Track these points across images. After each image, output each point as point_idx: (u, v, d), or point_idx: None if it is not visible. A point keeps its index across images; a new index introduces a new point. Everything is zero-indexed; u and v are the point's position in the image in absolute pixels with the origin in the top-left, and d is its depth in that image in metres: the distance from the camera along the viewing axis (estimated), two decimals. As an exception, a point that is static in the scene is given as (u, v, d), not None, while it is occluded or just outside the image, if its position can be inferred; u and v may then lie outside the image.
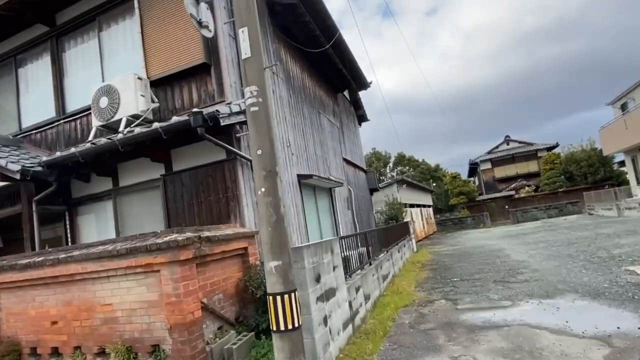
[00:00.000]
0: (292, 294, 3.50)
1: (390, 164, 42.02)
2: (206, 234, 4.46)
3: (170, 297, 3.98)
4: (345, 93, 14.34)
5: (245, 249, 5.30)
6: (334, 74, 11.36)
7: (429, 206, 32.81)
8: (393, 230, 12.40)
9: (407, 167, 40.50)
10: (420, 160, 41.84)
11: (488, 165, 40.66)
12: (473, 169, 43.29)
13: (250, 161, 5.81)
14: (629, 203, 21.11)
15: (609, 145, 24.36)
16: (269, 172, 3.60)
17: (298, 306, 3.52)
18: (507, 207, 34.33)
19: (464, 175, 40.88)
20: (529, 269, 8.58)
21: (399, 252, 11.67)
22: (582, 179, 30.67)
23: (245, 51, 3.68)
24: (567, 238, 13.15)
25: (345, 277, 5.62)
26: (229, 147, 5.48)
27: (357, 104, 15.50)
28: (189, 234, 4.17)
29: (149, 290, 4.19)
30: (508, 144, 41.21)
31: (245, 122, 5.64)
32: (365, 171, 15.64)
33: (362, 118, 16.40)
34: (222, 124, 4.91)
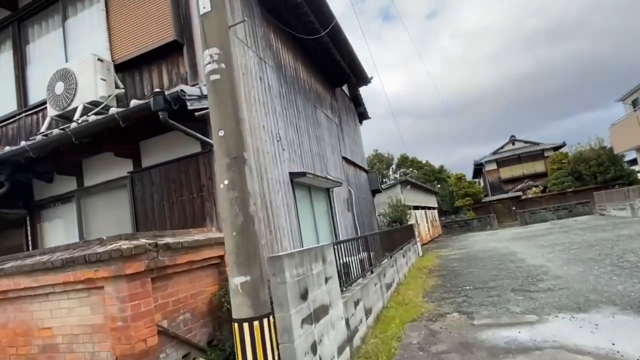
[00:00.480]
0: (266, 320, 2.64)
1: (393, 166, 41.09)
2: (166, 240, 3.62)
3: (115, 320, 3.14)
4: (345, 88, 13.52)
5: (222, 257, 4.44)
6: (331, 65, 10.54)
7: (434, 208, 31.85)
8: (397, 234, 11.51)
9: (410, 169, 39.57)
10: (424, 161, 40.91)
11: (493, 166, 39.66)
12: (478, 170, 42.29)
13: (229, 154, 5.00)
14: (645, 202, 20.08)
15: (620, 142, 23.38)
16: (234, 160, 2.74)
17: (274, 335, 2.66)
18: (514, 208, 33.31)
19: (469, 177, 39.88)
20: (549, 275, 7.66)
21: (403, 257, 10.78)
22: (592, 178, 29.62)
23: (204, 4, 2.85)
24: (585, 240, 12.20)
25: (342, 289, 4.76)
26: (202, 137, 4.65)
27: (357, 101, 14.67)
28: (141, 241, 3.33)
29: (93, 312, 3.35)
30: (514, 144, 40.21)
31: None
32: (366, 171, 14.78)
33: (363, 116, 15.56)
34: (189, 107, 4.08)
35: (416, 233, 16.57)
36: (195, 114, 4.47)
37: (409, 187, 19.10)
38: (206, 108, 4.44)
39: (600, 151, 29.50)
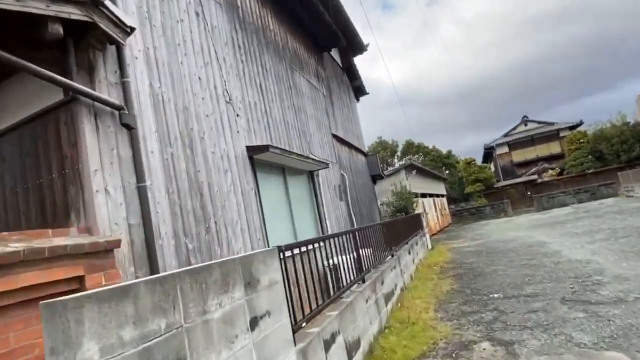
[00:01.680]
0: None
1: (398, 153, 38.89)
2: None
3: None
4: (336, 57, 11.48)
5: (81, 279, 2.53)
6: (313, 21, 8.50)
7: (443, 195, 29.71)
8: (401, 225, 9.53)
9: (416, 156, 37.34)
10: (431, 147, 38.61)
11: (505, 149, 37.24)
12: (488, 153, 39.88)
13: (117, 108, 3.06)
14: (682, 181, 17.77)
15: (649, 116, 20.93)
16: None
17: None
18: (529, 193, 31.00)
19: (479, 162, 37.53)
20: (607, 275, 5.63)
21: (409, 252, 8.81)
22: (615, 157, 27.18)
23: None
24: (630, 225, 10.08)
25: (300, 325, 2.82)
26: (59, 78, 2.69)
27: (351, 72, 12.61)
28: None
29: None
30: (526, 125, 37.69)
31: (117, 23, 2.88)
32: (365, 154, 12.77)
33: (359, 91, 13.50)
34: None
35: (424, 223, 14.56)
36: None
37: (414, 172, 17.04)
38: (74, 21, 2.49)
39: (623, 127, 27.00)
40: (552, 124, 36.78)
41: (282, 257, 2.72)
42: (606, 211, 15.57)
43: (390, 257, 6.93)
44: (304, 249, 3.43)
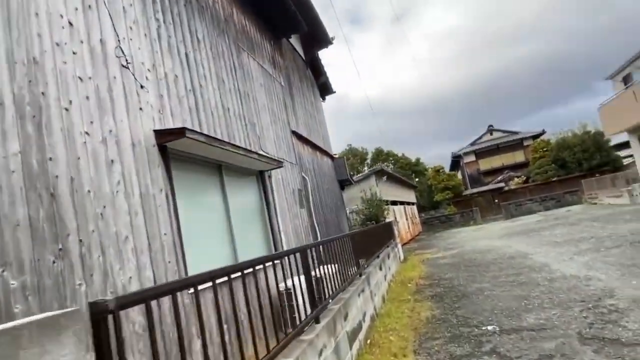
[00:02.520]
0: None
1: (368, 160, 38.08)
2: None
3: None
4: (299, 48, 10.17)
5: None
6: (267, -3, 7.15)
7: (413, 203, 28.98)
8: (372, 235, 8.23)
9: (386, 163, 36.66)
10: (400, 154, 38.07)
11: (472, 158, 37.34)
12: (456, 162, 39.89)
13: None
14: (646, 187, 17.71)
15: (611, 124, 21.03)
16: None
17: None
18: (496, 201, 30.90)
19: (447, 170, 37.33)
20: (620, 297, 4.51)
21: (381, 268, 7.49)
22: (577, 166, 27.48)
23: None
24: (613, 234, 9.26)
25: None
26: None
27: (316, 68, 11.33)
28: None
29: None
30: (492, 134, 38.04)
31: None
32: (332, 157, 11.46)
33: (325, 89, 12.24)
34: None
35: (396, 232, 13.38)
36: None
37: (385, 178, 15.93)
38: None
39: (584, 136, 27.40)
40: (516, 133, 37.30)
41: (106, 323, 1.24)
42: (579, 218, 15.02)
43: (358, 276, 5.56)
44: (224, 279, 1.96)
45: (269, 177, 6.11)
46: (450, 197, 31.94)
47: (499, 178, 34.65)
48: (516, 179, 32.00)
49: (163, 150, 3.68)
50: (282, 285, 4.51)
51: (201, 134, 3.84)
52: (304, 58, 10.45)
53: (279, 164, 5.88)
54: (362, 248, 7.26)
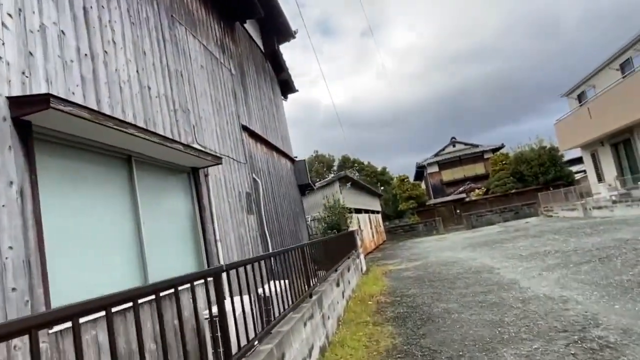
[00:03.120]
0: None
1: (335, 167, 37.45)
2: None
3: None
4: (257, 39, 9.18)
5: None
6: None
7: (378, 212, 28.53)
8: (332, 246, 7.32)
9: (351, 170, 36.19)
10: (366, 163, 37.77)
11: (435, 168, 37.70)
12: (420, 172, 40.18)
13: None
14: (598, 202, 18.13)
15: (566, 140, 21.62)
16: None
17: None
18: (458, 211, 31.18)
19: (412, 180, 37.44)
20: (607, 326, 3.82)
21: (338, 284, 6.57)
22: (533, 179, 28.22)
23: None
24: (578, 248, 8.89)
25: None
26: None
27: (277, 63, 10.37)
28: None
29: None
30: (454, 146, 38.65)
31: None
32: (292, 160, 10.48)
33: (287, 87, 11.29)
34: None
35: (359, 242, 12.57)
36: None
37: (349, 185, 15.15)
38: None
39: (540, 151, 28.23)
40: (477, 145, 38.12)
41: None
42: (539, 231, 14.91)
43: (308, 297, 4.58)
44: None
45: (206, 176, 5.03)
46: (414, 207, 31.90)
47: (460, 189, 35.13)
48: (477, 190, 32.51)
49: (24, 127, 2.54)
50: (205, 313, 3.48)
51: (82, 107, 2.73)
52: (262, 50, 9.46)
53: (216, 160, 4.81)
54: (319, 261, 6.31)
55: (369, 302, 7.00)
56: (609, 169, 19.22)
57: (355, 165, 37.35)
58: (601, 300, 4.73)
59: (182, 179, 4.70)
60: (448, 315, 5.27)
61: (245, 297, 3.37)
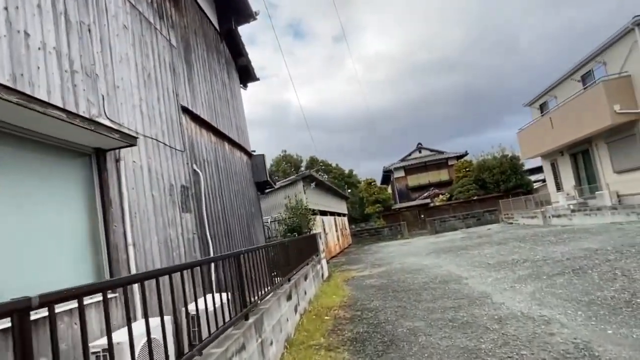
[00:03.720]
0: None
1: (302, 168, 36.49)
2: None
3: None
4: (211, 16, 8.03)
5: None
6: None
7: (344, 215, 27.83)
8: (290, 250, 6.32)
9: (319, 172, 35.37)
10: (334, 165, 37.10)
11: (401, 173, 37.66)
12: (387, 176, 40.07)
13: None
14: (557, 210, 18.33)
15: (527, 149, 21.90)
16: None
17: None
18: (422, 216, 31.12)
19: (379, 184, 37.19)
20: (608, 361, 3.09)
21: (290, 297, 5.57)
22: (495, 186, 28.62)
23: None
24: (548, 257, 8.42)
25: None
26: None
27: (234, 45, 9.24)
28: None
29: None
30: (420, 152, 38.86)
31: None
32: (249, 154, 9.36)
33: (246, 74, 10.16)
34: None
35: (321, 246, 11.64)
36: None
37: (313, 185, 14.19)
38: None
39: (502, 159, 28.69)
40: (442, 152, 38.54)
41: None
42: (503, 238, 14.65)
43: (243, 320, 3.55)
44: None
45: (117, 161, 3.86)
46: (381, 211, 31.54)
47: (425, 194, 35.24)
48: (441, 196, 32.66)
49: None
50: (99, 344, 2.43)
51: None
52: (217, 28, 8.31)
53: (128, 140, 3.67)
54: (278, 265, 5.30)
55: (326, 317, 6.05)
56: (568, 179, 19.57)
57: (321, 165, 36.55)
58: (589, 322, 4.04)
59: (80, 163, 3.52)
60: (414, 338, 4.40)
61: (154, 320, 2.33)
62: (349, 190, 34.77)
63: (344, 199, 28.36)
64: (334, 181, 33.90)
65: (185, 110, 5.87)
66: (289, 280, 6.06)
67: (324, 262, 11.62)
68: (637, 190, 14.36)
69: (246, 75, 10.15)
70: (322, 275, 10.63)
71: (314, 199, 15.12)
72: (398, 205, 33.50)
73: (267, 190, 10.69)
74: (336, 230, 21.89)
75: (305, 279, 7.43)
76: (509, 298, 5.51)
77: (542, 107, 21.30)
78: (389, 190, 39.44)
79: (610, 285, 5.20)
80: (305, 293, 7.03)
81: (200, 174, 5.91)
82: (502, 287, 6.30)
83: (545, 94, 20.52)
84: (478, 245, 13.25)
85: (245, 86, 10.30)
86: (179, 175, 5.30)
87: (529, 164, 30.00)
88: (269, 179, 9.84)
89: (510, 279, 6.80)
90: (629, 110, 14.00)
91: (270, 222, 12.08)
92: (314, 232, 12.43)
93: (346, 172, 38.16)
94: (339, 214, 24.95)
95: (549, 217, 18.70)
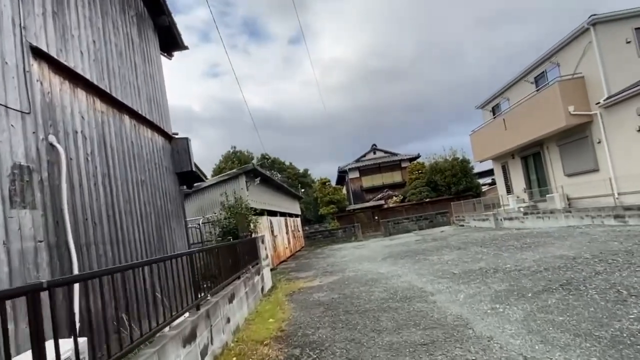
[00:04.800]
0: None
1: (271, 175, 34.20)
2: None
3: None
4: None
5: None
6: None
7: (297, 215, 26.08)
8: (223, 259, 4.42)
9: (272, 171, 33.26)
10: (288, 163, 35.17)
11: (356, 174, 36.70)
12: (342, 177, 38.97)
13: None
14: (510, 213, 17.99)
15: (480, 151, 21.64)
16: None
17: None
18: (376, 217, 30.27)
19: (334, 185, 35.89)
20: None
21: (193, 336, 3.66)
22: (447, 189, 28.46)
23: None
24: (517, 266, 7.25)
25: None
26: None
27: (155, 1, 7.13)
28: None
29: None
30: (375, 153, 38.22)
31: None
32: (168, 137, 7.26)
33: (170, 39, 8.02)
34: None
35: (264, 251, 9.77)
36: None
37: (258, 181, 12.20)
38: None
39: (454, 162, 28.62)
40: (396, 154, 38.18)
41: None
42: (461, 241, 13.70)
43: None
44: None
45: None
46: (335, 212, 30.21)
47: (379, 196, 34.55)
48: (394, 198, 32.08)
49: None
50: None
51: None
52: (124, -34, 6.17)
53: None
54: (175, 292, 3.40)
55: (256, 353, 4.23)
56: (518, 182, 19.40)
57: (276, 164, 34.47)
58: (634, 380, 2.62)
59: None
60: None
61: None
62: (303, 190, 33.05)
63: (296, 199, 26.60)
64: (287, 180, 32.00)
65: (40, 54, 3.77)
66: (198, 308, 4.17)
67: (266, 271, 9.76)
68: (587, 193, 14.17)
69: (171, 41, 8.04)
70: (263, 288, 8.78)
71: (259, 197, 13.18)
72: (352, 207, 32.41)
73: (196, 185, 8.63)
74: (287, 232, 20.05)
75: (231, 299, 5.55)
76: (496, 328, 4.07)
77: (495, 110, 21.13)
78: (344, 191, 38.33)
79: (624, 311, 3.93)
80: (229, 321, 5.15)
81: (62, 151, 3.83)
82: (480, 308, 4.89)
83: (498, 96, 20.31)
84: (436, 249, 12.12)
85: (169, 55, 8.18)
86: (12, 150, 3.22)
87: (477, 168, 30.31)
88: (195, 169, 7.81)
89: (487, 295, 5.45)
90: (582, 112, 13.74)
91: (203, 223, 9.98)
92: (258, 235, 10.55)
93: (300, 171, 36.41)
94: (291, 215, 23.15)
95: (501, 219, 18.35)
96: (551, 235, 10.79)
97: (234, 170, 11.26)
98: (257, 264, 8.74)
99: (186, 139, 7.54)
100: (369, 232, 28.90)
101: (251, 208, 11.02)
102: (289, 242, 19.97)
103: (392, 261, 11.13)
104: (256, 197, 12.65)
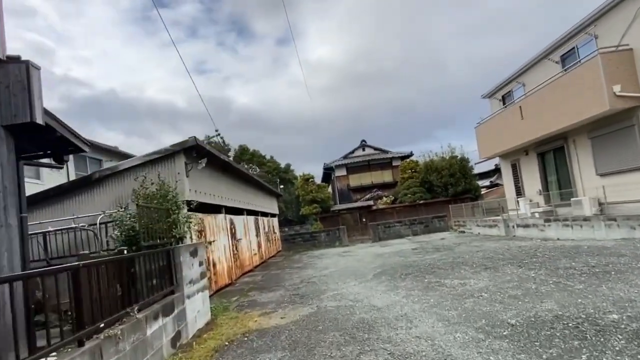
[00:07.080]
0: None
1: (231, 158, 30.58)
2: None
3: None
4: None
5: None
6: None
7: (274, 215, 22.51)
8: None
9: (251, 165, 29.59)
10: (268, 157, 31.53)
11: (343, 172, 33.34)
12: (327, 174, 35.54)
13: None
14: (524, 219, 14.84)
15: (488, 146, 18.48)
16: None
17: None
18: (364, 220, 26.94)
19: (319, 182, 32.46)
20: None
21: None
22: (443, 190, 25.34)
23: None
24: (634, 316, 3.93)
25: None
26: None
27: None
28: None
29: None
30: (364, 150, 34.95)
31: None
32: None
33: None
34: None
35: (196, 270, 6.22)
36: None
37: (204, 163, 8.32)
38: None
39: (452, 161, 25.53)
40: (386, 151, 35.01)
41: None
42: (480, 255, 10.34)
43: None
44: None
45: None
46: (318, 212, 26.76)
47: (367, 196, 31.29)
48: (384, 199, 28.83)
49: None
50: None
51: None
52: None
53: None
54: None
55: None
56: (531, 182, 16.31)
57: (255, 158, 30.78)
58: None
59: None
60: None
61: None
62: (282, 187, 29.43)
63: (274, 196, 23.02)
64: (266, 176, 28.35)
65: None
66: None
67: (199, 299, 6.22)
68: (631, 197, 11.12)
69: None
70: (181, 332, 5.22)
71: (210, 188, 9.60)
72: (338, 207, 29.02)
73: (70, 149, 5.00)
74: (257, 235, 16.46)
75: None
76: None
77: (505, 98, 18.05)
78: (329, 189, 34.92)
79: None
80: None
81: None
82: None
83: (510, 82, 17.22)
84: (450, 266, 8.74)
85: None
86: None
87: (478, 169, 27.34)
88: (58, 125, 4.21)
89: None
90: (632, 93, 10.67)
91: (103, 223, 6.38)
92: (192, 242, 7.04)
93: (282, 166, 32.80)
94: (266, 214, 19.58)
95: (513, 226, 15.22)
96: (612, 251, 7.54)
97: (168, 146, 7.68)
98: (172, 292, 5.19)
99: (26, 64, 3.94)
100: (355, 235, 25.56)
101: (188, 201, 7.44)
102: (259, 247, 16.39)
103: (389, 282, 7.74)
104: (204, 187, 9.06)
